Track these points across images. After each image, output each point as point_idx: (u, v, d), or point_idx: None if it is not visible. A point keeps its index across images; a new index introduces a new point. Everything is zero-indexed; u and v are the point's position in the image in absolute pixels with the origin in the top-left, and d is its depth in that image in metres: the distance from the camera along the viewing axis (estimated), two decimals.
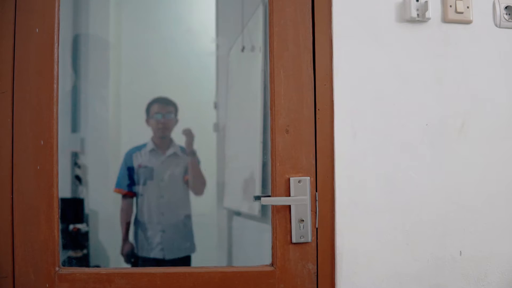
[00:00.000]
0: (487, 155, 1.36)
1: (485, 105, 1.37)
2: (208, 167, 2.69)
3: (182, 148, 2.68)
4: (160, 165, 2.60)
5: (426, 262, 1.33)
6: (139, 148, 2.66)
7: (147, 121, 2.71)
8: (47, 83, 1.25)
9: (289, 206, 1.26)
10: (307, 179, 1.26)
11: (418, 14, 1.33)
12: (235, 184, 2.41)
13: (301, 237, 1.25)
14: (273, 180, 1.27)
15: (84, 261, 2.93)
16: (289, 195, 1.26)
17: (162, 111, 2.64)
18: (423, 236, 1.33)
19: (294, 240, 1.25)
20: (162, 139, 2.63)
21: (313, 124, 1.29)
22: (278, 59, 1.28)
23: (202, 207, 2.61)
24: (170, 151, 2.63)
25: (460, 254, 1.34)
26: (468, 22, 1.37)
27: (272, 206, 1.26)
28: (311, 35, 1.31)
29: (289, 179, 1.26)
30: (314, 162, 1.28)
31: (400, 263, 1.31)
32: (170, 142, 2.67)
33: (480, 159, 1.36)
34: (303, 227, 1.25)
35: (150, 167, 2.59)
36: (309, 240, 1.26)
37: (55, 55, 1.25)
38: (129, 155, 2.65)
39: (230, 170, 2.46)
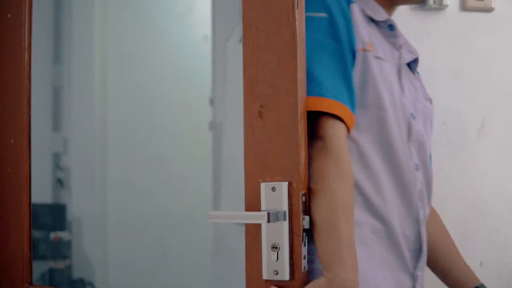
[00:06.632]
0: (510, 155, 1.36)
1: (507, 101, 1.36)
2: (203, 169, 2.68)
3: None
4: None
5: None
6: None
7: None
8: (17, 71, 1.19)
9: (260, 225, 0.90)
10: (283, 184, 0.88)
11: (434, 2, 1.33)
12: (232, 187, 2.40)
13: (275, 273, 0.87)
14: (246, 186, 0.95)
15: (66, 273, 2.93)
16: (260, 208, 0.90)
17: None
18: None
19: (265, 276, 0.88)
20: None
21: (296, 104, 0.89)
22: (250, 13, 0.96)
23: (196, 212, 2.58)
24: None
25: (481, 265, 1.33)
26: (490, 10, 1.36)
27: (246, 224, 0.94)
28: None
29: (260, 185, 0.91)
30: (298, 160, 0.88)
31: None
32: None
33: (502, 160, 1.35)
34: (278, 258, 0.87)
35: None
36: (286, 277, 0.85)
37: (25, 41, 1.18)
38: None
39: (227, 172, 2.45)
